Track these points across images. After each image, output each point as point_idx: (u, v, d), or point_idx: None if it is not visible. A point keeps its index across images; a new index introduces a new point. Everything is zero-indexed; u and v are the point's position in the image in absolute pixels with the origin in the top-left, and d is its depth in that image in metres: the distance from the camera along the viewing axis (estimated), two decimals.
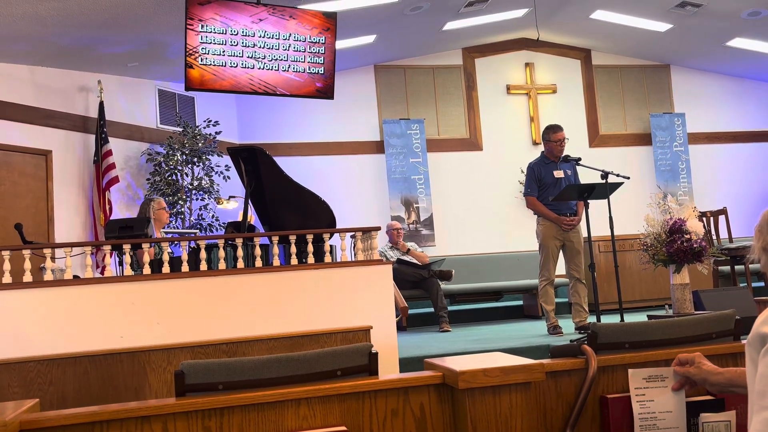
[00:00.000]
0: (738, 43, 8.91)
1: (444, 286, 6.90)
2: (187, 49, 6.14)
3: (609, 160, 9.15)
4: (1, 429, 1.40)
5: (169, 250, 4.91)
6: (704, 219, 6.83)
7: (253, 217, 6.65)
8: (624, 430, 1.76)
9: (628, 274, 7.15)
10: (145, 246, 4.36)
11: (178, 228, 7.35)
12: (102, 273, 5.45)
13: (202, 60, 6.22)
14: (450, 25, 8.38)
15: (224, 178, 7.73)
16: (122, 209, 7.27)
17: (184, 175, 7.51)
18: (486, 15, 8.34)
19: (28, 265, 4.04)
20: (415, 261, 7.01)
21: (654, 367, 1.78)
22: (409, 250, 7.17)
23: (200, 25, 6.16)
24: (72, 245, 4.15)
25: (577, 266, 5.39)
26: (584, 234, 5.42)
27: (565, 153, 5.55)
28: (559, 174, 5.49)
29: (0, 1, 5.42)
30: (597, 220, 5.89)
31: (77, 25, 6.14)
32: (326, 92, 6.84)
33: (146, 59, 7.24)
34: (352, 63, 8.76)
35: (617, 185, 5.15)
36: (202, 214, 7.58)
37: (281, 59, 6.57)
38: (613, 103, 9.79)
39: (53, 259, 4.16)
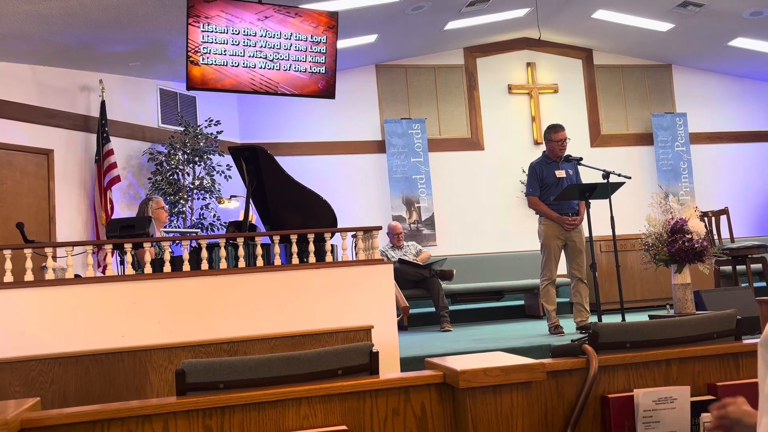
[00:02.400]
0: (740, 42, 8.90)
1: (445, 285, 6.89)
2: (190, 45, 6.13)
3: (610, 160, 9.15)
4: (2, 428, 1.40)
5: (170, 250, 4.90)
6: (706, 219, 6.83)
7: (254, 217, 6.65)
8: (624, 430, 1.76)
9: (629, 274, 7.15)
10: (147, 245, 4.36)
11: (179, 227, 7.36)
12: (103, 272, 5.47)
13: (204, 59, 6.23)
14: (451, 25, 8.38)
15: (225, 177, 7.73)
16: (123, 208, 7.27)
17: (186, 175, 7.51)
18: (487, 14, 8.34)
19: (29, 264, 4.05)
20: (416, 261, 7.01)
21: (661, 387, 1.76)
22: (420, 251, 7.27)
23: (202, 24, 6.16)
24: (73, 244, 4.16)
25: (579, 266, 5.39)
26: (586, 234, 5.42)
27: (566, 153, 5.54)
28: (560, 174, 5.48)
29: (1, 0, 5.42)
30: (598, 219, 5.89)
31: (79, 25, 6.14)
32: (328, 91, 6.84)
33: (148, 58, 7.25)
34: (353, 62, 8.76)
35: (619, 185, 5.14)
36: (203, 214, 7.59)
37: (283, 59, 6.57)
38: (614, 102, 9.78)
39: (54, 258, 4.16)
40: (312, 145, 8.87)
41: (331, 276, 4.36)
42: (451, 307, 7.03)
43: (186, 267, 4.26)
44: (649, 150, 9.72)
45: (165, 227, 6.27)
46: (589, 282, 5.51)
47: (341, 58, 7.57)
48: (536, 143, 9.36)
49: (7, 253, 4.07)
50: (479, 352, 3.98)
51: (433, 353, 4.60)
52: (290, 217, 5.10)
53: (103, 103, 6.99)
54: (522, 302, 7.84)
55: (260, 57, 6.47)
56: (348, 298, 4.34)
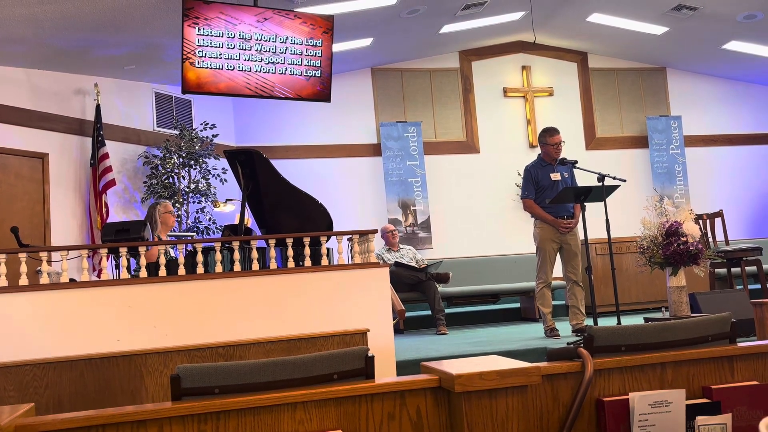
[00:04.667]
0: (734, 46, 8.93)
1: (441, 288, 6.89)
2: (186, 47, 6.11)
3: (605, 163, 9.17)
4: None
5: (172, 254, 4.90)
6: (700, 221, 6.85)
7: (250, 220, 6.64)
8: None
9: (624, 276, 7.16)
10: (153, 247, 4.35)
11: (174, 231, 7.34)
12: (98, 276, 5.45)
13: (199, 63, 6.22)
14: (447, 28, 8.39)
15: (221, 181, 7.72)
16: (119, 212, 7.26)
17: (181, 178, 7.50)
18: (483, 18, 8.35)
19: (24, 268, 4.03)
20: (412, 264, 7.01)
21: (657, 390, 1.77)
22: (420, 261, 7.22)
23: (199, 27, 6.15)
24: (68, 248, 4.14)
25: (574, 269, 5.40)
26: (581, 237, 5.43)
27: (561, 156, 5.56)
28: (555, 176, 5.49)
29: None
30: (594, 222, 5.90)
31: (74, 28, 6.13)
32: (323, 95, 6.84)
33: (143, 62, 7.24)
34: (349, 66, 8.76)
35: (614, 188, 5.16)
36: (199, 217, 7.58)
37: (278, 62, 6.57)
38: (609, 105, 9.80)
39: (49, 262, 4.15)
40: (308, 149, 8.87)
41: (327, 279, 4.36)
42: (447, 310, 7.02)
43: (181, 271, 4.25)
44: (644, 153, 9.75)
45: (173, 231, 6.25)
46: (585, 285, 5.52)
47: (337, 62, 7.58)
48: (531, 146, 9.37)
49: (2, 257, 4.06)
50: (475, 355, 3.98)
51: (429, 357, 4.60)
52: (286, 221, 5.09)
53: (98, 107, 6.98)
54: (518, 305, 7.84)
55: (256, 60, 6.47)
56: (344, 301, 4.34)
